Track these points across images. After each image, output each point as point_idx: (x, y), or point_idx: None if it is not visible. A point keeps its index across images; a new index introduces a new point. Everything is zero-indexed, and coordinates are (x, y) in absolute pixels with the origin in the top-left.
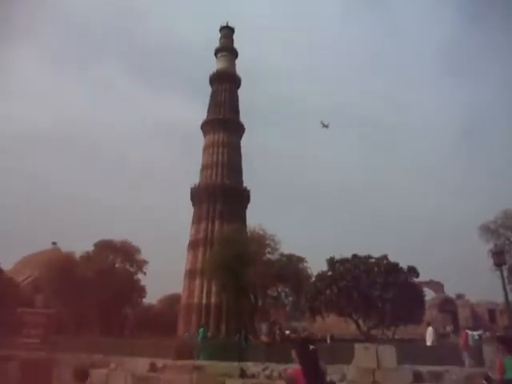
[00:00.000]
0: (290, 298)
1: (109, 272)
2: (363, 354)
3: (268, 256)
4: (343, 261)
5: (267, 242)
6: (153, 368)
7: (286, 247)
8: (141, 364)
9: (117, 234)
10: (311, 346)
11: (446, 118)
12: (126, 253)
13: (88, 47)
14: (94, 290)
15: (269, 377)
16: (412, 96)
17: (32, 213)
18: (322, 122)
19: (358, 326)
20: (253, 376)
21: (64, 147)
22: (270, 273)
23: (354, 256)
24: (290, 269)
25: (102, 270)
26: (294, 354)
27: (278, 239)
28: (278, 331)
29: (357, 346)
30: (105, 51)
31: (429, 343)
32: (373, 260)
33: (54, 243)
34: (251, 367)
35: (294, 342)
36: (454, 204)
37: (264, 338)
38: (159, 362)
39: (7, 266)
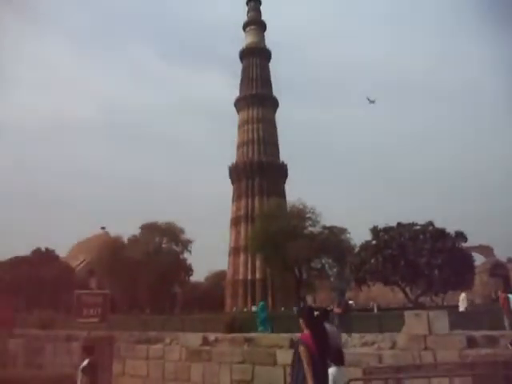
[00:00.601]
0: (335, 269)
1: (156, 253)
2: (414, 321)
3: (310, 229)
4: (387, 229)
5: (308, 215)
6: (205, 341)
7: (327, 219)
8: (193, 338)
9: (161, 215)
10: (316, 313)
11: (492, 76)
12: (171, 233)
13: (119, 32)
14: (143, 270)
15: None
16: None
17: (78, 199)
18: (368, 98)
19: (406, 294)
20: None
21: (105, 132)
22: (312, 245)
23: (399, 224)
24: (333, 240)
25: (150, 251)
26: (301, 322)
27: (319, 212)
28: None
29: (407, 313)
30: (136, 35)
31: (461, 309)
32: (418, 227)
33: (102, 228)
34: None
35: (302, 311)
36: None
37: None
38: (211, 336)
39: (62, 253)
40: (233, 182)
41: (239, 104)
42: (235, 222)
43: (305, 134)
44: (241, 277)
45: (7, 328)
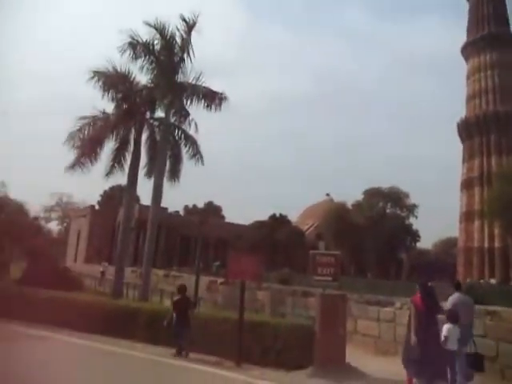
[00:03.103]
0: None
1: (380, 218)
2: None
3: None
4: None
5: None
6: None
7: None
8: None
9: (383, 180)
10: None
11: None
12: (395, 198)
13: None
14: (368, 235)
15: None
16: None
17: (303, 169)
18: None
19: None
20: None
21: (321, 101)
22: None
23: None
24: None
25: (373, 216)
26: (419, 289)
27: None
28: None
29: None
30: None
31: None
32: None
33: (327, 194)
34: None
35: (419, 282)
36: None
37: None
38: (444, 305)
39: (293, 218)
40: (463, 141)
41: (467, 50)
42: (467, 184)
43: None
44: (476, 244)
45: (256, 282)
